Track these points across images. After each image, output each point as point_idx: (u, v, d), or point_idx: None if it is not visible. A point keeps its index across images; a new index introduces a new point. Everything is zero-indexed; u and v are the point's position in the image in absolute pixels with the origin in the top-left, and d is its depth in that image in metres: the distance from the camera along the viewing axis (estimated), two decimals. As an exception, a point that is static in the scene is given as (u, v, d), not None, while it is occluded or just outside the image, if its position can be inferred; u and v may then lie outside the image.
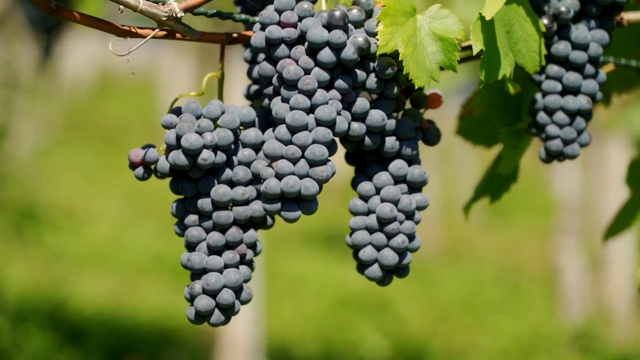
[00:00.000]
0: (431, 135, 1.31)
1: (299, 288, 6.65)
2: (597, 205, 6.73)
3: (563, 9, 1.34)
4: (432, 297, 6.64)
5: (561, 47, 1.36)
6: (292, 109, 1.22)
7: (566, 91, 1.37)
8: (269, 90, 1.25)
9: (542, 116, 1.38)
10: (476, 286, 7.08)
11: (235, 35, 1.28)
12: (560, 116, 1.37)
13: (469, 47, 1.28)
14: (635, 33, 1.63)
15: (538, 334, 6.10)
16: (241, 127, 1.27)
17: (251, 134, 1.26)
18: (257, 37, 1.24)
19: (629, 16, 1.44)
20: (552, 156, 1.38)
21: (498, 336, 6.02)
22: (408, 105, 1.31)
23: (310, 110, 1.22)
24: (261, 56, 1.34)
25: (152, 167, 1.27)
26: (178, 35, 1.24)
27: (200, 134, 1.23)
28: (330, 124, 1.22)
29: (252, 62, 1.36)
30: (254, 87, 1.36)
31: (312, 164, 1.21)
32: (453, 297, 6.76)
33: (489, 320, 6.36)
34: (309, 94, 1.22)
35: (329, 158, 1.23)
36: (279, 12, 1.23)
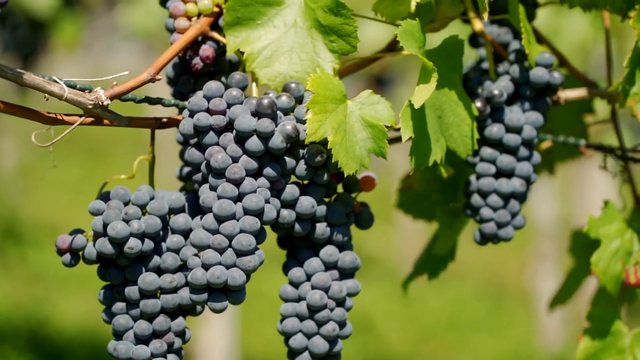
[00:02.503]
0: (364, 220, 1.30)
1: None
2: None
3: (496, 92, 1.34)
4: (415, 316, 6.62)
5: (495, 130, 1.35)
6: (219, 197, 1.21)
7: (500, 174, 1.37)
8: (198, 177, 1.24)
9: (476, 198, 1.37)
10: (459, 304, 7.07)
11: (165, 120, 1.27)
12: (494, 199, 1.36)
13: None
14: (578, 108, 1.63)
15: (520, 355, 6.09)
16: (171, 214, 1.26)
17: (180, 220, 1.25)
18: (185, 124, 1.23)
19: (566, 94, 1.43)
20: (486, 239, 1.38)
21: (481, 356, 6.00)
22: (341, 189, 1.30)
23: (238, 198, 1.21)
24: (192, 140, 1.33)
25: (80, 253, 1.25)
26: (106, 121, 1.23)
27: (127, 221, 1.21)
28: (258, 213, 1.21)
29: (185, 144, 1.35)
30: (187, 169, 1.35)
31: (240, 253, 1.20)
32: (436, 315, 6.74)
33: (471, 339, 6.35)
34: (237, 183, 1.21)
35: (257, 247, 1.22)
36: (208, 98, 1.23)
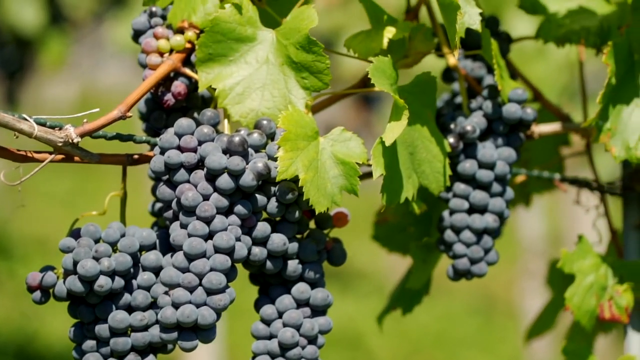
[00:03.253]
0: (336, 256, 1.30)
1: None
2: (566, 243, 6.74)
3: (469, 128, 1.34)
4: (405, 332, 6.60)
5: (467, 165, 1.35)
6: (190, 235, 1.20)
7: (473, 209, 1.36)
8: (169, 214, 1.24)
9: (449, 234, 1.37)
10: (449, 320, 7.05)
11: (136, 156, 1.27)
12: (467, 235, 1.36)
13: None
14: (554, 139, 1.64)
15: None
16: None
17: (151, 258, 1.24)
18: (156, 162, 1.22)
19: (540, 129, 1.44)
20: (459, 275, 1.38)
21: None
22: (313, 225, 1.30)
23: (209, 236, 1.21)
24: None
25: (51, 290, 1.25)
26: (77, 158, 1.23)
27: (97, 259, 1.21)
28: (229, 251, 1.20)
29: (157, 179, 1.34)
30: (159, 205, 1.35)
31: (210, 292, 1.20)
32: (425, 331, 6.72)
33: (461, 355, 6.34)
34: (208, 221, 1.20)
35: (228, 285, 1.21)
36: (179, 136, 1.22)
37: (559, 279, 1.70)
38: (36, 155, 1.21)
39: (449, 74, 1.45)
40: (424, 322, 6.90)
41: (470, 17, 1.27)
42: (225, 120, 1.28)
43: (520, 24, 2.84)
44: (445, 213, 1.38)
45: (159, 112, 1.32)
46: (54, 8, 6.98)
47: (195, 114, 1.32)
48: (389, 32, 1.29)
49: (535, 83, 1.55)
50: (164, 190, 1.23)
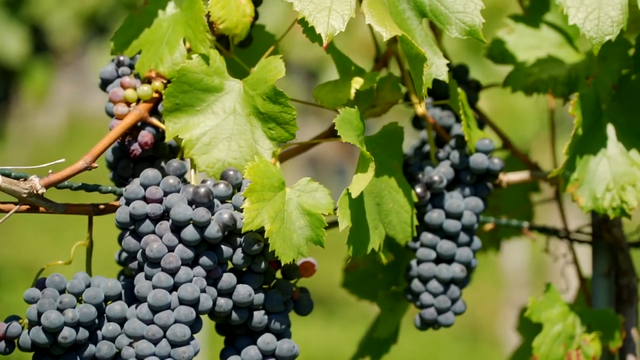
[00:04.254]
0: (303, 306, 1.30)
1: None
2: (549, 275, 6.73)
3: (436, 178, 1.34)
4: (390, 359, 6.58)
5: (435, 215, 1.35)
6: (154, 287, 1.20)
7: (440, 259, 1.37)
8: (134, 265, 1.24)
9: (416, 284, 1.37)
10: (434, 347, 7.03)
11: (102, 207, 1.27)
12: (434, 285, 1.36)
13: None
14: (524, 188, 1.64)
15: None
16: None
17: (116, 308, 1.24)
18: (122, 212, 1.22)
19: (508, 177, 1.44)
20: (426, 324, 1.38)
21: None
22: (280, 275, 1.30)
23: (174, 288, 1.20)
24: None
25: (16, 341, 1.24)
26: (42, 209, 1.22)
27: (61, 310, 1.20)
28: (194, 303, 1.20)
29: (123, 228, 1.34)
30: (125, 254, 1.34)
31: (174, 344, 1.19)
32: (411, 358, 6.69)
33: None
34: (172, 272, 1.20)
35: (193, 336, 1.21)
36: (145, 186, 1.22)
37: (528, 326, 1.69)
38: (1, 206, 1.21)
39: (418, 121, 1.46)
40: (409, 349, 6.88)
41: (437, 68, 1.27)
42: (192, 171, 1.28)
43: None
44: (413, 262, 1.38)
45: (126, 161, 1.32)
46: (37, 38, 6.99)
47: (163, 163, 1.32)
48: (357, 83, 1.30)
49: (509, 129, 1.56)
50: (129, 241, 1.23)
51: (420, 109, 1.41)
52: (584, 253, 1.57)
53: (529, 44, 1.50)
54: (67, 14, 7.34)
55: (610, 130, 1.40)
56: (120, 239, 1.33)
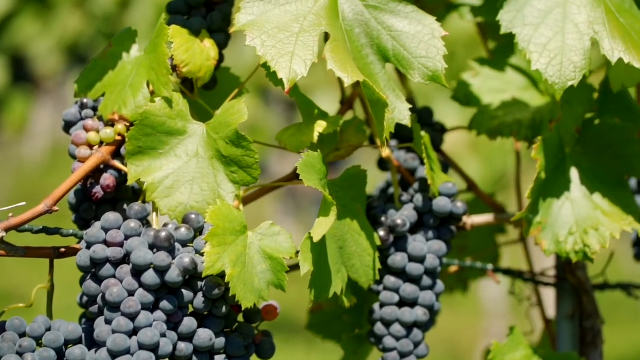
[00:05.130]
0: (265, 350, 1.29)
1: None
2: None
3: (399, 221, 1.35)
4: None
5: (398, 259, 1.36)
6: (114, 332, 1.20)
7: (403, 303, 1.36)
8: (95, 308, 1.23)
9: (379, 327, 1.37)
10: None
11: (63, 250, 1.26)
12: (396, 328, 1.36)
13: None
14: (490, 229, 1.65)
15: None
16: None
17: (76, 352, 1.23)
18: (82, 256, 1.22)
19: (473, 220, 1.44)
20: (390, 368, 1.37)
21: None
22: (242, 319, 1.30)
23: (134, 332, 1.20)
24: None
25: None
26: (2, 252, 1.22)
27: (21, 354, 1.20)
28: (153, 348, 1.20)
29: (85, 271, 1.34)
30: (86, 297, 1.34)
31: (134, 389, 1.19)
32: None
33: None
34: (132, 317, 1.20)
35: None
36: (106, 230, 1.22)
37: None
38: (-39, 249, 1.20)
39: (383, 163, 1.46)
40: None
41: (400, 113, 1.28)
42: (154, 214, 1.28)
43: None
44: (376, 306, 1.38)
45: (88, 203, 1.32)
46: (17, 67, 6.98)
47: (125, 206, 1.31)
48: (320, 126, 1.30)
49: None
50: (89, 284, 1.23)
51: (385, 151, 1.41)
52: (551, 295, 1.57)
53: (494, 87, 1.51)
54: (49, 43, 7.35)
55: (574, 173, 1.40)
56: (82, 281, 1.33)
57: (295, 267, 1.30)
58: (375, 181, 1.55)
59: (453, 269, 1.52)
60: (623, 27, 1.32)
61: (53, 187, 1.27)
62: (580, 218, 1.37)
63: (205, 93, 1.38)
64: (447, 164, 1.48)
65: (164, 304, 1.21)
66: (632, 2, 1.35)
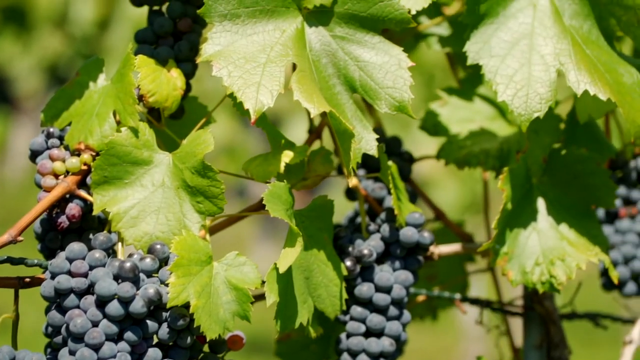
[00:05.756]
0: (230, 380, 1.29)
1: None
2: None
3: (366, 251, 1.35)
4: None
5: (364, 289, 1.36)
6: (77, 363, 1.19)
7: (370, 333, 1.36)
8: (59, 339, 1.23)
9: (346, 357, 1.37)
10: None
11: (27, 279, 1.26)
12: (363, 359, 1.36)
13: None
14: (459, 257, 1.65)
15: None
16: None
17: (40, 383, 1.23)
18: (46, 287, 1.22)
19: (440, 250, 1.45)
20: (356, 399, 1.37)
21: None
22: (207, 349, 1.29)
23: (97, 363, 1.20)
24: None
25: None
26: (-35, 282, 1.22)
27: (-17, 385, 1.19)
28: (117, 379, 1.19)
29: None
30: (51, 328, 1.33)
31: (96, 421, 1.18)
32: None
33: None
34: (96, 348, 1.19)
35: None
36: (70, 260, 1.22)
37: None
38: None
39: (351, 192, 1.46)
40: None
41: (367, 143, 1.28)
42: (120, 244, 1.27)
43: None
44: (343, 336, 1.38)
45: (54, 233, 1.31)
46: (-4, 87, 6.97)
47: (91, 235, 1.31)
48: (287, 157, 1.30)
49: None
50: (53, 315, 1.22)
51: (353, 181, 1.41)
52: (520, 324, 1.57)
53: (462, 117, 1.51)
54: (30, 62, 7.34)
55: (541, 204, 1.41)
56: (47, 311, 1.32)
57: (260, 298, 1.30)
58: (345, 209, 1.55)
59: (421, 298, 1.52)
60: (589, 58, 1.33)
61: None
62: (546, 249, 1.37)
63: (172, 122, 1.38)
64: (416, 193, 1.48)
65: (128, 334, 1.21)
66: (599, 34, 1.36)
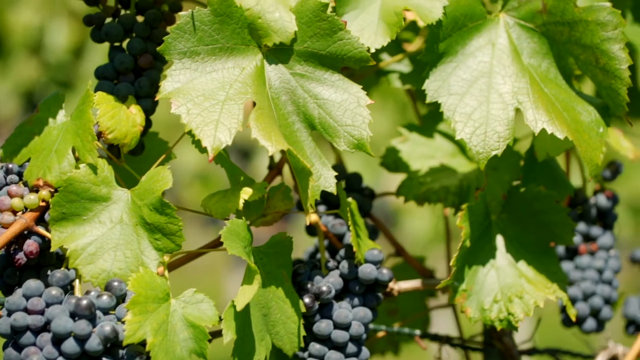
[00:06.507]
0: (188, 417, 1.29)
1: None
2: None
3: (324, 288, 1.35)
4: None
5: (323, 326, 1.36)
6: (31, 400, 1.19)
7: (328, 369, 1.36)
8: (15, 377, 1.22)
9: (305, 396, 1.37)
10: None
11: (-16, 316, 1.25)
12: (321, 395, 1.36)
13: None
14: (420, 293, 1.65)
15: None
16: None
17: (-5, 421, 1.22)
18: (3, 324, 1.21)
19: (400, 286, 1.45)
20: None
21: None
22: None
23: (52, 402, 1.19)
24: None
25: None
26: None
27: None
28: (72, 417, 1.19)
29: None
30: (10, 363, 1.33)
31: None
32: None
33: None
34: (51, 386, 1.19)
35: None
36: (27, 297, 1.21)
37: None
38: None
39: (311, 228, 1.47)
40: None
41: (325, 180, 1.29)
42: (77, 280, 1.27)
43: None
44: (301, 373, 1.38)
45: (12, 269, 1.30)
46: (-30, 112, 6.94)
47: (49, 272, 1.31)
48: (245, 193, 1.30)
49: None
50: (10, 352, 1.22)
51: (313, 217, 1.41)
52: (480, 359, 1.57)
53: (423, 153, 1.52)
54: (7, 87, 7.32)
55: (500, 241, 1.41)
56: (4, 347, 1.32)
57: (220, 334, 1.30)
58: (307, 245, 1.55)
59: (380, 334, 1.52)
60: (547, 97, 1.34)
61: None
62: (504, 286, 1.38)
63: (132, 158, 1.38)
64: (377, 229, 1.49)
65: (84, 372, 1.20)
66: (557, 72, 1.37)
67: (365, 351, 1.38)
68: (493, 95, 1.33)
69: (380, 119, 4.75)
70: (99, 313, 1.22)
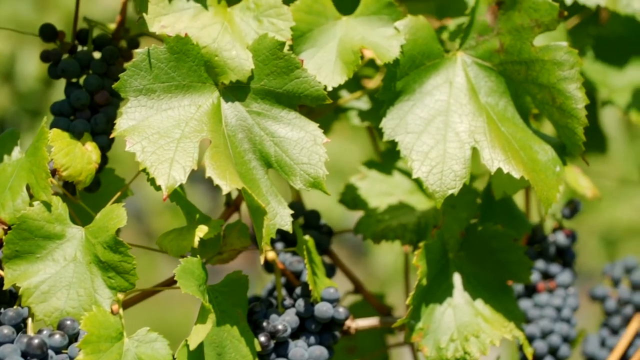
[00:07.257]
0: None
1: None
2: None
3: (280, 327, 1.34)
4: None
5: (278, 366, 1.35)
6: None
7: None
8: (-36, 416, 1.21)
9: None
10: None
11: None
12: None
13: None
14: (380, 330, 1.65)
15: None
16: None
17: None
18: (-48, 363, 1.20)
19: (357, 324, 1.45)
20: None
21: None
22: None
23: None
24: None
25: None
26: None
27: None
28: None
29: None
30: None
31: None
32: None
33: None
34: None
35: None
36: (-21, 336, 1.20)
37: None
38: None
39: (269, 265, 1.46)
40: None
41: (281, 218, 1.28)
42: (30, 319, 1.26)
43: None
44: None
45: (-36, 309, 1.29)
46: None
47: (2, 310, 1.29)
48: (201, 231, 1.30)
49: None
50: (-41, 392, 1.21)
51: (270, 254, 1.41)
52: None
53: (381, 191, 1.52)
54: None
55: (457, 279, 1.41)
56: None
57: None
58: (265, 281, 1.55)
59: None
60: (504, 136, 1.34)
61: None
62: (461, 324, 1.38)
63: (89, 195, 1.37)
64: (334, 267, 1.48)
65: (34, 412, 1.19)
66: (515, 111, 1.37)
67: (323, 388, 1.37)
68: (450, 134, 1.33)
69: (353, 148, 4.75)
70: (51, 352, 1.21)
